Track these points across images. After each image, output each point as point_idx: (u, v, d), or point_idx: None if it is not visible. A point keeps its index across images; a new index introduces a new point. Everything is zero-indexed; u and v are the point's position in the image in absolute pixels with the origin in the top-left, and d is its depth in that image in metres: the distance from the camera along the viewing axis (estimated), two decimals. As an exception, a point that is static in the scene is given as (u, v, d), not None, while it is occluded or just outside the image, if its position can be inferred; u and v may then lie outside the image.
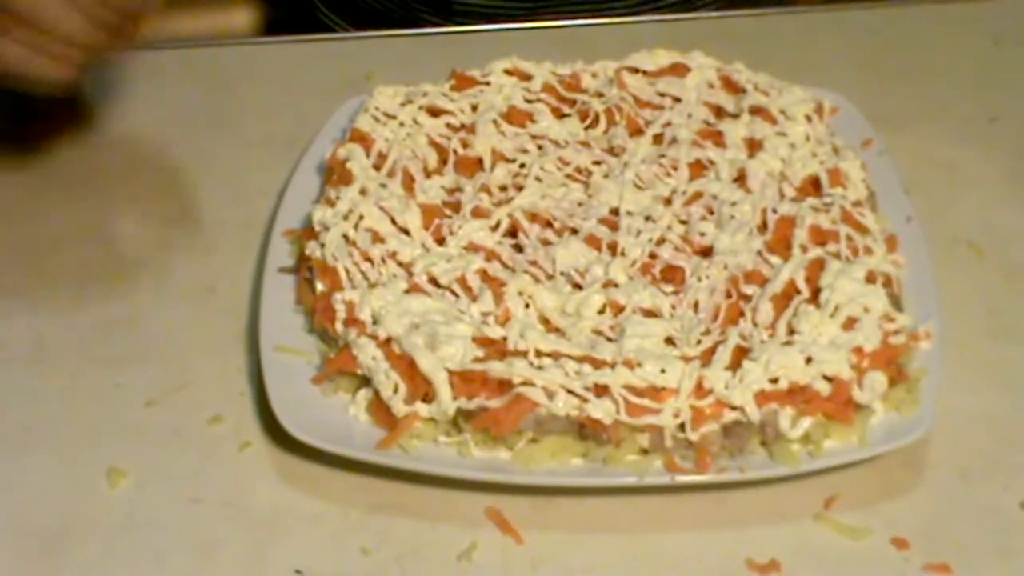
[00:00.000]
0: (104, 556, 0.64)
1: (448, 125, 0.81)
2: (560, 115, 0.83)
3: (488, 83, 0.84)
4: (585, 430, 0.64)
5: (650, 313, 0.70)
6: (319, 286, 0.71)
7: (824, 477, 0.66)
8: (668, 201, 0.76)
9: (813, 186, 0.76)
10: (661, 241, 0.74)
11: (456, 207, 0.77)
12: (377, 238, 0.73)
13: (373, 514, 0.65)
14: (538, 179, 0.78)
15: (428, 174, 0.79)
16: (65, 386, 0.72)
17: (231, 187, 0.85)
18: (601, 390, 0.64)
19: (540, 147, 0.80)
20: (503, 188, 0.78)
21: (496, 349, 0.66)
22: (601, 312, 0.70)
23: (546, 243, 0.74)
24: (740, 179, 0.77)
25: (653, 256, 0.73)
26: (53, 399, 0.71)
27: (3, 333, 0.75)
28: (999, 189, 0.83)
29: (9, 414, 0.71)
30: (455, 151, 0.80)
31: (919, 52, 0.96)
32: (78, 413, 0.71)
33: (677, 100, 0.83)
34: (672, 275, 0.72)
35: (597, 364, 0.65)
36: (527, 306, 0.70)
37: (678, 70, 0.85)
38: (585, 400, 0.64)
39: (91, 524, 0.65)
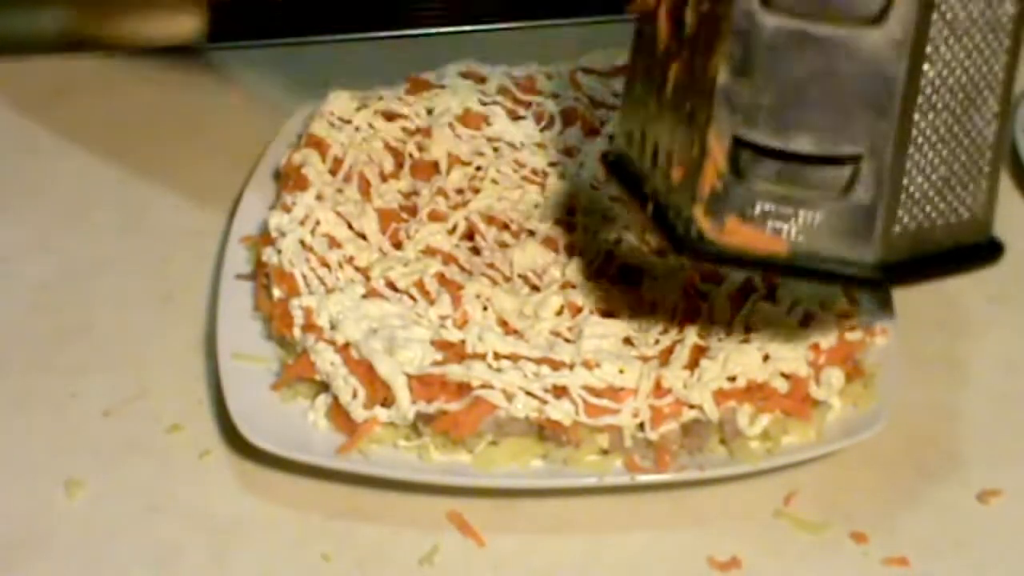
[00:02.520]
0: (63, 568, 0.63)
1: (404, 129, 0.81)
2: (515, 117, 0.83)
3: (443, 86, 0.84)
4: (545, 432, 0.64)
5: (608, 314, 0.70)
6: (276, 292, 0.71)
7: (783, 473, 0.66)
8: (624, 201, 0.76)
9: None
10: (618, 241, 0.74)
11: (413, 211, 0.77)
12: (334, 243, 0.73)
13: (334, 520, 0.65)
14: (494, 182, 0.78)
15: (384, 178, 0.79)
16: (19, 397, 0.72)
17: (186, 194, 0.84)
18: (560, 391, 0.64)
19: (496, 149, 0.80)
20: (459, 191, 0.78)
21: (454, 352, 0.66)
22: (559, 314, 0.70)
23: (503, 245, 0.74)
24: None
25: (610, 256, 0.73)
26: (7, 410, 0.71)
27: (-43, 345, 0.75)
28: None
29: (-36, 426, 0.70)
30: (411, 155, 0.80)
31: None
32: (33, 424, 0.70)
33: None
34: (629, 275, 0.72)
35: (556, 365, 0.65)
36: (485, 309, 0.70)
37: (633, 70, 0.85)
38: (544, 402, 0.64)
39: (49, 536, 0.65)
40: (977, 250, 0.59)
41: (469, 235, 0.75)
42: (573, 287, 0.71)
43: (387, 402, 0.65)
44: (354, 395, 0.66)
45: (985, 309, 0.76)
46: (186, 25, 1.05)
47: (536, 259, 0.73)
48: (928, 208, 0.56)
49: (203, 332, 0.74)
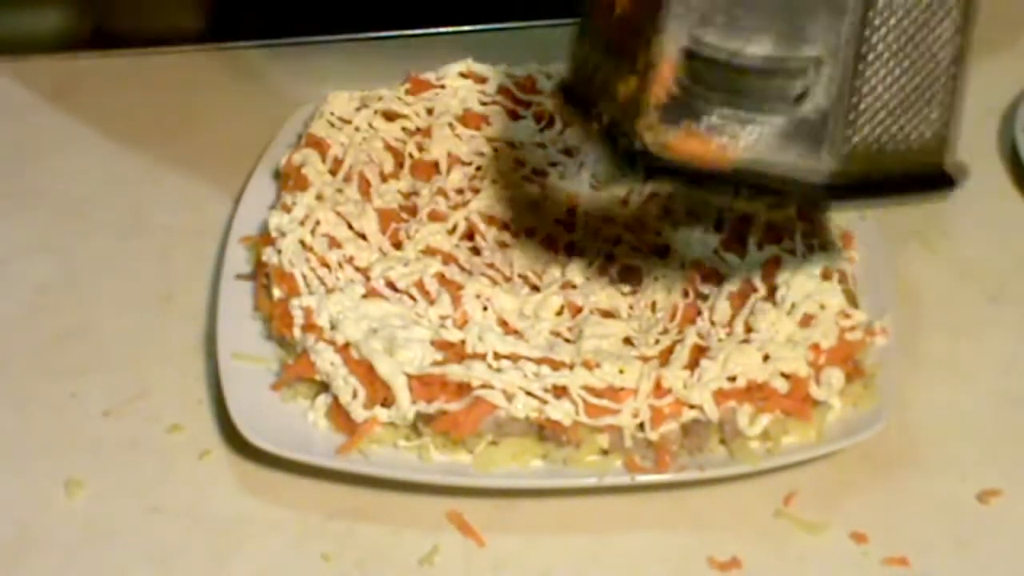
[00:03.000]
0: (63, 568, 0.63)
1: (404, 129, 0.81)
2: (515, 117, 0.83)
3: (443, 86, 0.84)
4: (545, 432, 0.64)
5: (608, 314, 0.70)
6: (276, 292, 0.71)
7: (783, 473, 0.66)
8: (624, 201, 0.76)
9: (768, 184, 0.77)
10: (618, 241, 0.74)
11: (413, 211, 0.77)
12: (334, 243, 0.73)
13: (334, 520, 0.65)
14: (494, 182, 0.78)
15: (384, 178, 0.79)
16: (19, 397, 0.72)
17: (186, 194, 0.84)
18: (560, 391, 0.64)
19: (496, 149, 0.80)
20: (459, 191, 0.78)
21: (455, 352, 0.66)
22: (559, 314, 0.70)
23: (503, 245, 0.74)
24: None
25: (610, 257, 0.73)
26: (7, 410, 0.71)
27: (-43, 346, 0.75)
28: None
29: (-36, 427, 0.70)
30: (411, 155, 0.80)
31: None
32: (33, 424, 0.70)
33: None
34: (629, 275, 0.73)
35: (556, 365, 0.65)
36: (485, 309, 0.70)
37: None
38: (544, 402, 0.64)
39: (49, 536, 0.65)
40: (929, 180, 0.57)
41: (469, 235, 0.75)
42: (573, 287, 0.72)
43: (387, 402, 0.65)
44: (354, 395, 0.66)
45: (985, 309, 0.76)
46: (186, 25, 1.05)
47: (536, 259, 0.73)
48: (882, 128, 0.55)
49: (203, 332, 0.74)
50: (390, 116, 0.82)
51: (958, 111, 0.57)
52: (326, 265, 0.72)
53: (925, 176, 0.57)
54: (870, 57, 0.53)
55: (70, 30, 1.04)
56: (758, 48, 0.53)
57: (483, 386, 0.64)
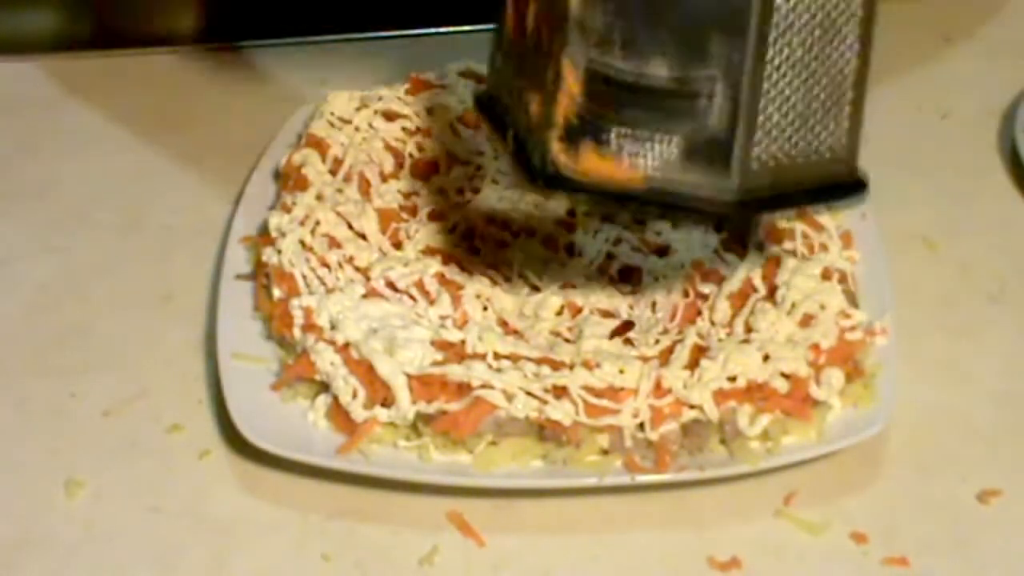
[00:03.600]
0: (63, 568, 0.63)
1: (403, 129, 0.81)
2: (515, 117, 0.83)
3: (443, 86, 0.84)
4: (545, 432, 0.64)
5: (608, 314, 0.70)
6: (276, 292, 0.71)
7: (783, 473, 0.66)
8: (624, 201, 0.77)
9: (768, 184, 0.77)
10: (618, 241, 0.74)
11: (413, 211, 0.77)
12: (334, 243, 0.73)
13: (334, 520, 0.65)
14: (494, 181, 0.78)
15: (384, 178, 0.79)
16: (20, 397, 0.72)
17: (186, 194, 0.84)
18: (560, 391, 0.64)
19: (495, 149, 0.80)
20: (459, 191, 0.78)
21: (454, 352, 0.66)
22: (559, 313, 0.70)
23: (503, 245, 0.74)
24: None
25: (610, 256, 0.73)
26: (7, 410, 0.71)
27: (-44, 346, 0.75)
28: (952, 184, 0.84)
29: (-37, 427, 0.70)
30: (411, 155, 0.80)
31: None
32: (33, 424, 0.70)
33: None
34: (629, 275, 0.73)
35: (556, 365, 0.65)
36: (485, 309, 0.70)
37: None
38: (544, 402, 0.64)
39: (49, 536, 0.65)
40: (841, 187, 0.58)
41: (469, 235, 0.75)
42: (573, 287, 0.71)
43: (387, 402, 0.65)
44: (354, 395, 0.66)
45: (985, 309, 0.76)
46: (186, 25, 1.05)
47: (536, 259, 0.73)
48: (786, 142, 0.55)
49: (203, 332, 0.74)
50: (390, 116, 0.82)
51: (862, 119, 0.58)
52: (326, 265, 0.72)
53: (837, 183, 0.58)
54: (769, 76, 0.54)
55: (70, 30, 1.04)
56: (656, 69, 0.54)
57: (483, 386, 0.64)
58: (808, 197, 0.58)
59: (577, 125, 0.55)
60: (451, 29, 0.99)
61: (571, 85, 0.54)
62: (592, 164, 0.55)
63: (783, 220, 0.73)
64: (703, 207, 0.56)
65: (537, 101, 0.57)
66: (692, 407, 0.64)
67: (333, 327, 0.68)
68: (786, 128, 0.55)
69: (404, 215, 0.76)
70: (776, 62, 0.54)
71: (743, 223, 0.69)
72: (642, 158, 0.55)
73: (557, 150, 0.56)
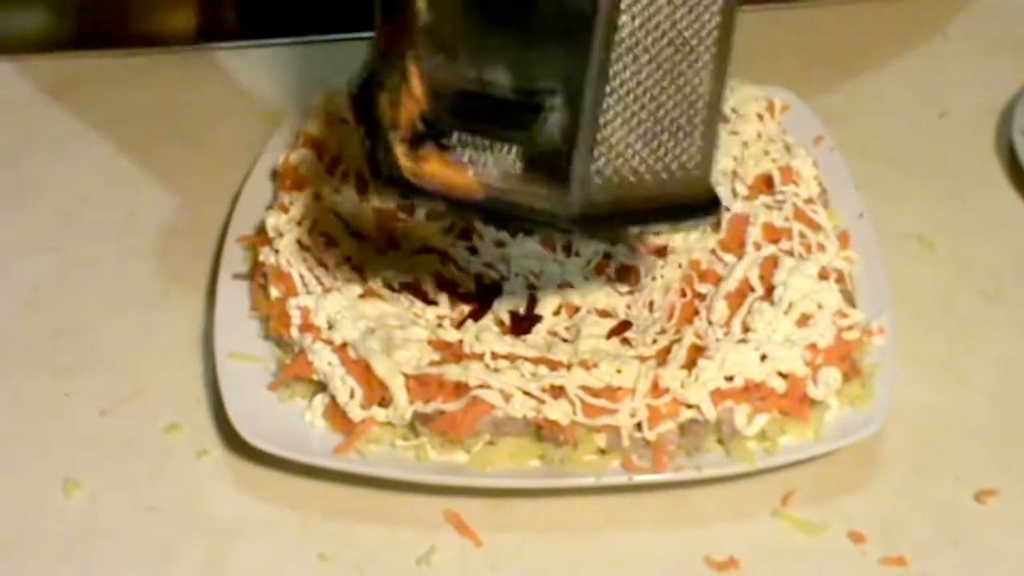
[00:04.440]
0: (60, 567, 0.63)
1: (401, 128, 0.81)
2: (512, 116, 0.83)
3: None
4: (542, 431, 0.64)
5: (605, 313, 0.70)
6: (274, 292, 0.71)
7: (781, 473, 0.66)
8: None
9: (765, 184, 0.77)
10: (615, 241, 0.74)
11: (410, 210, 0.76)
12: (331, 243, 0.73)
13: (331, 520, 0.65)
14: (492, 181, 0.78)
15: (381, 178, 0.79)
16: (16, 397, 0.72)
17: (183, 193, 0.84)
18: (557, 391, 0.64)
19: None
20: (457, 190, 0.78)
21: (452, 352, 0.66)
22: (556, 313, 0.70)
23: (500, 245, 0.74)
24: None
25: (608, 256, 0.73)
26: (4, 410, 0.71)
27: (-47, 345, 0.74)
28: (949, 184, 0.84)
29: (-39, 427, 0.70)
30: (408, 154, 0.80)
31: (868, 48, 0.97)
32: (30, 424, 0.70)
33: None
34: (627, 275, 0.73)
35: (553, 365, 0.65)
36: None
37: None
38: (542, 401, 0.64)
39: (46, 535, 0.65)
40: (694, 206, 0.58)
41: (466, 234, 0.75)
42: (571, 287, 0.71)
43: (384, 402, 0.65)
44: (351, 395, 0.66)
45: (983, 309, 0.76)
46: (183, 24, 1.05)
47: (533, 258, 0.73)
48: (632, 159, 0.55)
49: (200, 332, 0.74)
50: (387, 115, 0.82)
51: (717, 138, 0.57)
52: (323, 265, 0.72)
53: (690, 201, 0.58)
54: (613, 92, 0.53)
55: (66, 29, 1.03)
56: (498, 77, 0.54)
57: (480, 386, 0.64)
58: (657, 215, 0.57)
59: (420, 129, 0.55)
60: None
61: (416, 88, 0.55)
62: (433, 168, 0.56)
63: (780, 219, 0.73)
64: (542, 219, 0.56)
65: (388, 102, 0.57)
66: (689, 407, 0.64)
67: (330, 327, 0.68)
68: (632, 145, 0.55)
69: (401, 215, 0.76)
70: (621, 79, 0.53)
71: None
72: (482, 166, 0.55)
73: (400, 152, 0.56)
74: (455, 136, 0.55)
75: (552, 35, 0.52)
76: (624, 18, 0.52)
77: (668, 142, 0.55)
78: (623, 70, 0.53)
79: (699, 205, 0.58)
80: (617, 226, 0.59)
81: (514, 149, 0.54)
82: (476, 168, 0.55)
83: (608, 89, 0.53)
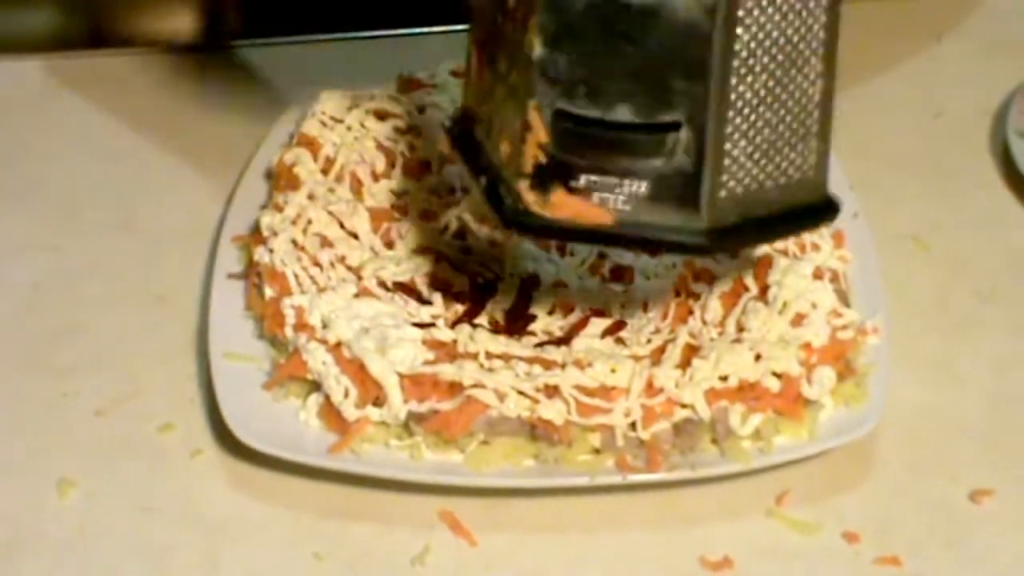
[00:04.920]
0: (54, 568, 0.63)
1: (395, 128, 0.81)
2: (507, 116, 0.83)
3: (435, 85, 0.84)
4: (537, 431, 0.64)
5: (599, 313, 0.70)
6: (268, 291, 0.71)
7: (775, 473, 0.66)
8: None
9: (760, 183, 0.77)
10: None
11: (404, 210, 0.76)
12: (326, 242, 0.73)
13: (326, 519, 0.65)
14: (487, 181, 0.78)
15: (376, 177, 0.79)
16: (11, 397, 0.71)
17: (178, 193, 0.84)
18: (552, 391, 0.64)
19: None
20: (451, 190, 0.78)
21: (446, 352, 0.66)
22: (551, 313, 0.70)
23: (495, 244, 0.74)
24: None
25: (602, 256, 0.73)
26: None
27: (-52, 344, 0.74)
28: (944, 184, 0.84)
29: (-45, 426, 0.70)
30: (402, 154, 0.80)
31: (863, 49, 0.97)
32: (25, 424, 0.70)
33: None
34: (621, 274, 0.73)
35: (547, 365, 0.65)
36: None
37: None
38: (536, 401, 0.64)
39: (41, 535, 0.65)
40: (812, 210, 0.59)
41: (461, 234, 0.75)
42: (565, 286, 0.71)
43: (379, 401, 0.65)
44: (346, 394, 0.65)
45: (977, 309, 0.76)
46: (177, 25, 1.05)
47: (528, 258, 0.73)
48: (754, 171, 0.56)
49: (195, 331, 0.74)
50: (382, 115, 0.82)
51: (830, 141, 0.58)
52: (318, 264, 0.72)
53: (808, 207, 0.59)
54: (734, 112, 0.54)
55: (61, 30, 1.03)
56: (621, 113, 0.54)
57: (475, 385, 0.64)
58: (781, 224, 0.58)
59: (546, 168, 0.56)
60: (443, 29, 0.99)
61: (538, 130, 0.55)
62: (562, 206, 0.56)
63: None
64: (674, 241, 0.57)
65: (506, 141, 0.57)
66: (684, 406, 0.64)
67: (325, 326, 0.68)
68: (754, 159, 0.55)
69: (396, 214, 0.76)
70: (740, 98, 0.54)
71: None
72: (612, 199, 0.56)
73: (527, 193, 0.56)
74: (582, 173, 0.55)
75: (671, 67, 0.53)
76: (740, 34, 0.53)
77: (786, 150, 0.56)
78: (742, 90, 0.54)
79: (818, 208, 0.59)
80: (746, 239, 0.59)
81: (638, 179, 0.55)
82: (604, 201, 0.56)
83: (729, 111, 0.54)
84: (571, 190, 0.56)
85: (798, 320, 0.67)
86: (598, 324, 0.69)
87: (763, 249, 0.71)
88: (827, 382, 0.66)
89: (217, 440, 0.69)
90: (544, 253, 0.73)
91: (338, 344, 0.67)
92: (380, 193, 0.77)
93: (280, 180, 0.78)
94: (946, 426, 0.69)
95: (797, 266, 0.69)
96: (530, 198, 0.56)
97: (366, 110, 0.81)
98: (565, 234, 0.59)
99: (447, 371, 0.65)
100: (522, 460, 0.65)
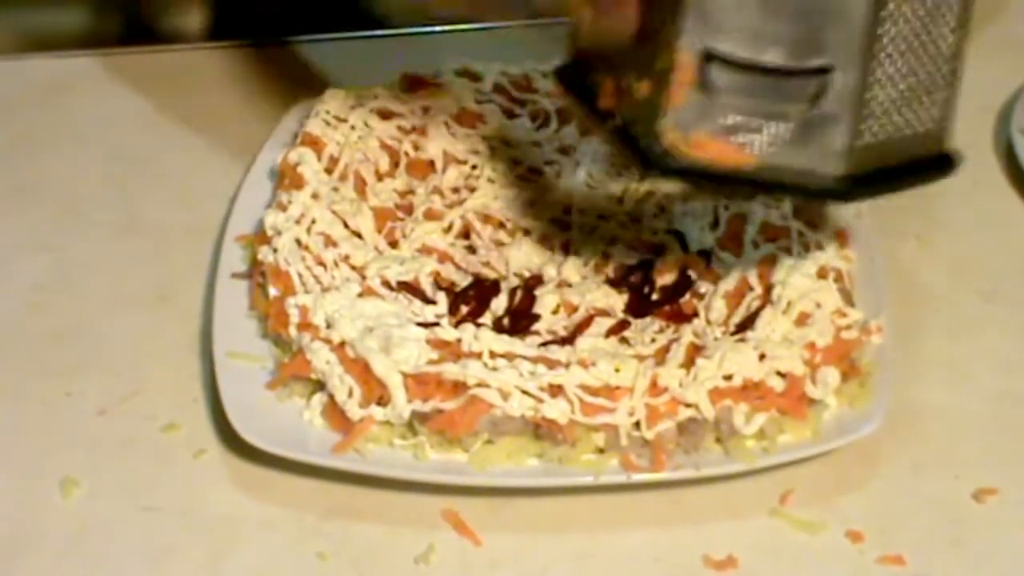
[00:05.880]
0: (58, 566, 0.63)
1: (399, 128, 0.81)
2: (511, 115, 0.83)
3: (439, 85, 0.84)
4: (540, 430, 0.64)
5: (603, 312, 0.70)
6: (272, 291, 0.71)
7: (779, 472, 0.66)
8: (620, 199, 0.76)
9: (764, 182, 0.77)
10: (614, 240, 0.74)
11: (408, 210, 0.77)
12: (330, 242, 0.73)
13: (329, 519, 0.65)
14: (490, 180, 0.78)
15: (380, 177, 0.79)
16: (15, 396, 0.72)
17: (182, 193, 0.84)
18: (556, 390, 0.64)
19: (492, 148, 0.80)
20: (455, 190, 0.78)
21: (450, 351, 0.66)
22: (555, 312, 0.70)
23: (499, 244, 0.74)
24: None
25: (606, 255, 0.73)
26: (3, 410, 0.71)
27: (-48, 344, 0.74)
28: (947, 182, 0.83)
29: (-41, 426, 0.70)
30: (406, 153, 0.80)
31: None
32: (29, 423, 0.70)
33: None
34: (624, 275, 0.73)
35: (551, 364, 0.65)
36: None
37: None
38: (540, 400, 0.64)
39: (44, 535, 0.65)
40: (933, 162, 0.59)
41: (465, 234, 0.75)
42: (569, 286, 0.71)
43: (383, 401, 0.65)
44: (350, 394, 0.65)
45: (981, 308, 0.76)
46: (180, 23, 1.05)
47: (532, 258, 0.73)
48: (891, 120, 0.56)
49: (198, 331, 0.74)
50: (386, 114, 0.82)
51: (956, 98, 0.59)
52: (322, 264, 0.72)
53: (930, 160, 0.59)
54: (877, 61, 0.55)
55: (64, 28, 1.04)
56: (772, 57, 0.55)
57: (479, 385, 0.64)
58: (906, 176, 0.59)
59: (689, 108, 0.55)
60: (447, 28, 0.99)
61: (685, 69, 0.55)
62: (704, 147, 0.56)
63: (778, 218, 0.73)
64: (810, 187, 0.57)
65: (645, 81, 0.57)
66: (688, 406, 0.64)
67: (329, 326, 0.68)
68: (892, 108, 0.56)
69: (400, 214, 0.76)
70: (887, 46, 0.55)
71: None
72: (754, 140, 0.56)
73: (669, 134, 0.56)
74: (727, 115, 0.56)
75: (824, 11, 0.54)
76: None
77: (922, 99, 0.57)
78: (889, 34, 0.54)
79: (939, 160, 0.59)
80: (879, 188, 0.59)
81: (783, 121, 0.56)
82: (747, 142, 0.56)
83: (874, 58, 0.55)
84: (714, 131, 0.56)
85: (802, 319, 0.67)
86: (602, 323, 0.69)
87: (768, 248, 0.71)
88: (831, 381, 0.66)
89: (221, 439, 0.69)
90: (548, 253, 0.73)
91: (342, 343, 0.67)
92: (384, 192, 0.77)
93: (284, 179, 0.78)
94: (950, 425, 0.69)
95: (801, 265, 0.69)
96: (672, 139, 0.56)
97: (370, 109, 0.81)
98: (704, 176, 0.58)
99: (451, 370, 0.65)
100: (526, 459, 0.65)
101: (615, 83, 0.59)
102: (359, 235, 0.74)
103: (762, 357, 0.65)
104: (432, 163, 0.79)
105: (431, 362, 0.65)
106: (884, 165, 0.57)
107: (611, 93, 0.59)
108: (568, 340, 0.68)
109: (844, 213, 0.76)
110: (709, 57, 0.55)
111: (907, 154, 0.58)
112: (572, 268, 0.72)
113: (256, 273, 0.73)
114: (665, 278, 0.71)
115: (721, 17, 0.54)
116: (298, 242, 0.72)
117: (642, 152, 0.57)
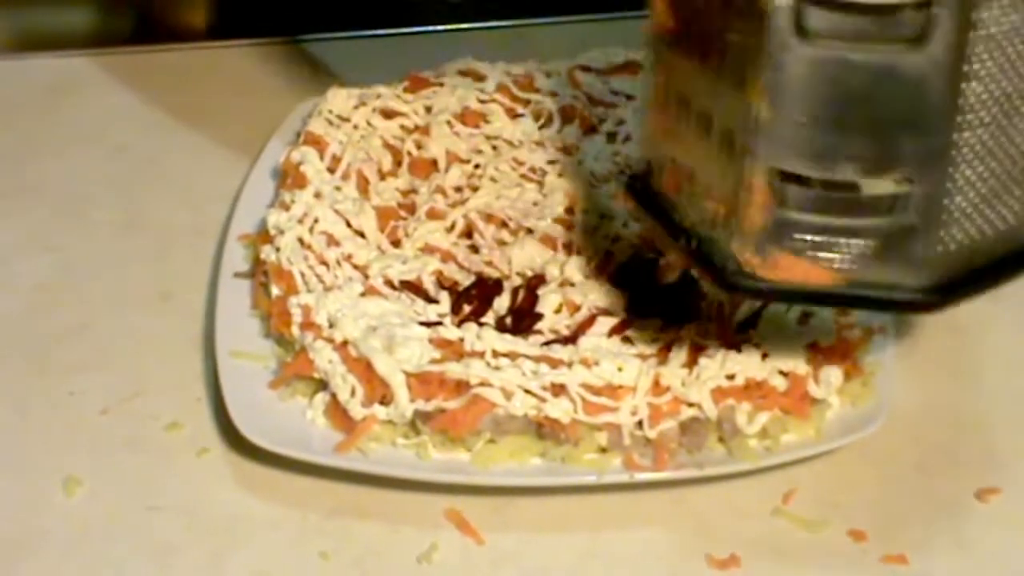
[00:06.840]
0: (60, 565, 0.63)
1: (402, 127, 0.81)
2: (514, 115, 0.83)
3: (442, 84, 0.84)
4: (543, 429, 0.64)
5: (606, 312, 0.70)
6: (275, 290, 0.71)
7: (782, 472, 0.66)
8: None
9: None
10: (616, 239, 0.74)
11: (411, 209, 0.77)
12: (332, 241, 0.73)
13: (332, 518, 0.65)
14: (493, 179, 0.78)
15: (383, 176, 0.79)
16: (18, 395, 0.72)
17: (184, 192, 0.85)
18: (558, 389, 0.64)
19: (494, 147, 0.80)
20: (458, 189, 0.78)
21: (453, 350, 0.66)
22: (557, 311, 0.70)
23: (502, 244, 0.74)
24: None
25: (609, 254, 0.73)
26: (5, 408, 0.71)
27: (-45, 344, 0.74)
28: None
29: (-38, 425, 0.70)
30: (409, 153, 0.80)
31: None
32: (32, 422, 0.70)
33: (630, 98, 0.84)
34: (627, 273, 0.72)
35: (554, 363, 0.65)
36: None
37: (632, 68, 0.85)
38: (543, 400, 0.64)
39: (47, 534, 0.65)
40: (1019, 257, 0.57)
41: (468, 233, 0.75)
42: (571, 285, 0.71)
43: (385, 400, 0.65)
44: (352, 393, 0.65)
45: (984, 307, 0.75)
46: (183, 22, 1.05)
47: (534, 257, 0.73)
48: (973, 224, 0.55)
49: (201, 330, 0.74)
50: (388, 114, 0.82)
51: None
52: (324, 263, 0.72)
53: (1017, 256, 0.57)
54: (954, 168, 0.53)
55: (67, 28, 1.04)
56: (847, 174, 0.53)
57: (481, 384, 0.64)
58: (1002, 271, 0.57)
59: (767, 229, 0.55)
60: (450, 27, 0.99)
61: (759, 190, 0.54)
62: (785, 268, 0.55)
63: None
64: (898, 300, 0.56)
65: (719, 203, 0.56)
66: (691, 405, 0.64)
67: (331, 325, 0.68)
68: (974, 211, 0.55)
69: (403, 213, 0.76)
70: (966, 152, 0.53)
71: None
72: (835, 258, 0.55)
73: (748, 255, 0.55)
74: (805, 234, 0.55)
75: (898, 127, 0.52)
76: (970, 88, 0.52)
77: (1005, 197, 0.55)
78: (968, 140, 0.53)
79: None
80: (970, 291, 0.57)
81: (864, 235, 0.54)
82: (827, 261, 0.55)
83: (954, 160, 0.53)
84: (795, 251, 0.55)
85: (805, 319, 0.67)
86: (605, 323, 0.69)
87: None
88: (834, 381, 0.66)
89: (223, 439, 0.69)
90: (550, 252, 0.73)
91: (345, 343, 0.67)
92: (387, 191, 0.77)
93: (287, 178, 0.78)
94: (953, 424, 0.69)
95: (804, 265, 0.69)
96: (753, 261, 0.55)
97: (373, 108, 0.82)
98: (789, 296, 0.58)
99: (454, 370, 0.65)
100: (529, 459, 0.65)
101: (689, 201, 0.58)
102: (362, 234, 0.74)
103: (765, 356, 0.65)
104: (435, 162, 0.79)
105: (434, 361, 0.65)
106: (971, 266, 0.56)
107: (686, 211, 0.59)
108: (571, 339, 0.68)
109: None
110: (784, 180, 0.54)
111: (993, 253, 0.56)
112: (575, 267, 0.72)
113: (259, 272, 0.73)
114: (668, 277, 0.71)
115: (790, 137, 0.53)
116: (301, 241, 0.72)
117: (721, 275, 0.57)
